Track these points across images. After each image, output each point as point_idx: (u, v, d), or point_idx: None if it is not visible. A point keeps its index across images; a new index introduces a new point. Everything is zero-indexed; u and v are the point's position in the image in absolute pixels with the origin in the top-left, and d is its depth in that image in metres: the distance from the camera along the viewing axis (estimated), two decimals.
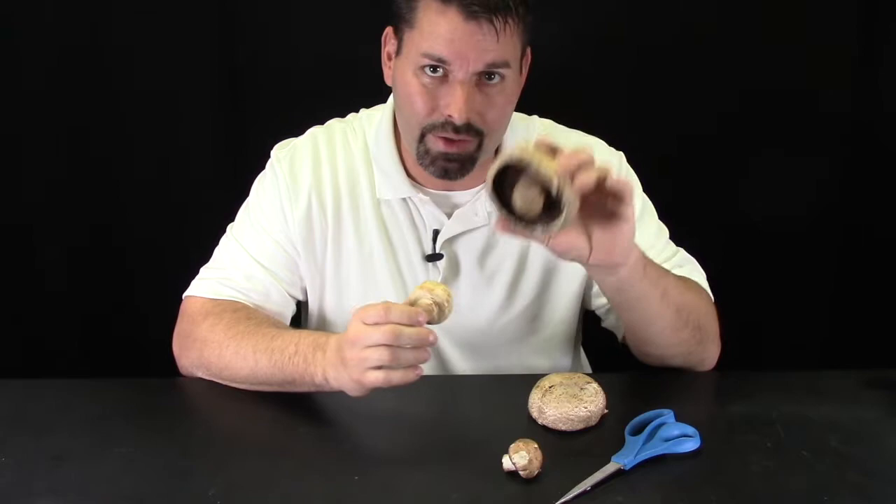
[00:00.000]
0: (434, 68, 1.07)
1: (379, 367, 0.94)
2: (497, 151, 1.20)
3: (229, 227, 1.25)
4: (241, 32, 1.63)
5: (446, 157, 1.10)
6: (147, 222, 1.70)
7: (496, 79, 1.08)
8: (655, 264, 1.09)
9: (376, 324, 0.94)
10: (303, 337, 1.07)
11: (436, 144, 1.10)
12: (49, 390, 1.16)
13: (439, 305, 0.96)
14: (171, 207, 1.70)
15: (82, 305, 1.74)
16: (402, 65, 1.11)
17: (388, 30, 1.15)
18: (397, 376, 0.95)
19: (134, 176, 1.68)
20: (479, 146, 1.11)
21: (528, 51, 1.16)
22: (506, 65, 1.07)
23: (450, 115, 1.07)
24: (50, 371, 1.62)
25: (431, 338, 0.94)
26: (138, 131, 1.66)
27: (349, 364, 0.97)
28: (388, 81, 1.17)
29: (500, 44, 1.05)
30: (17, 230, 1.69)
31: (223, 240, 1.25)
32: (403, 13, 1.09)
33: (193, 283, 1.23)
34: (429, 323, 0.95)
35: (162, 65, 1.63)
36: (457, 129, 1.08)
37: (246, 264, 1.21)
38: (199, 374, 1.16)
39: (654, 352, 1.15)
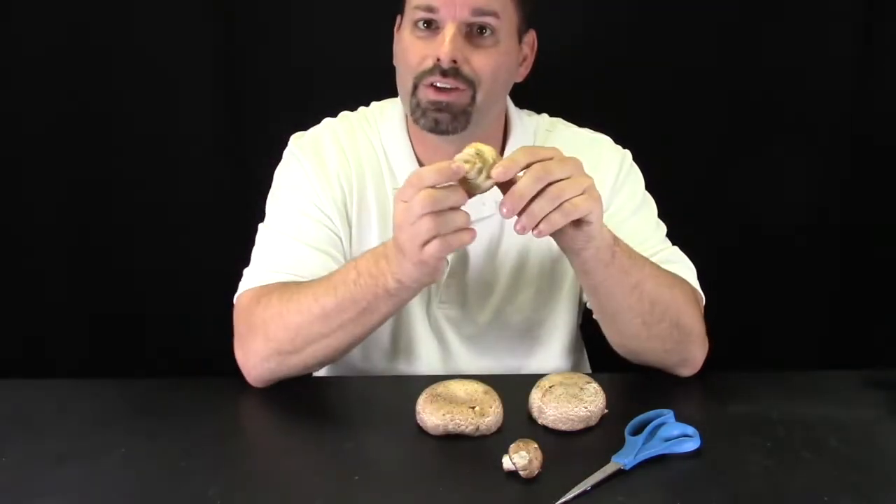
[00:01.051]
0: (427, 23, 1.10)
1: (432, 238, 0.93)
2: (504, 142, 1.22)
3: (261, 226, 1.22)
4: (241, 32, 1.63)
5: (437, 106, 1.12)
6: (147, 222, 1.70)
7: (487, 32, 1.11)
8: (634, 256, 1.07)
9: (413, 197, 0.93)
10: (360, 259, 1.05)
11: (426, 94, 1.12)
12: (49, 390, 1.17)
13: (482, 156, 0.93)
14: (172, 207, 1.69)
15: (82, 305, 1.74)
16: (402, 30, 1.16)
17: (398, 17, 1.18)
18: (455, 240, 0.94)
19: (134, 175, 1.68)
20: (473, 99, 1.12)
21: (534, 35, 1.19)
22: (494, 14, 1.10)
23: (437, 58, 1.09)
24: (50, 371, 1.62)
25: (464, 198, 0.93)
26: (140, 132, 1.66)
27: (405, 249, 0.95)
28: (395, 61, 1.19)
29: None
30: (17, 230, 1.69)
31: (259, 237, 1.21)
32: None
33: (241, 284, 1.19)
34: (472, 182, 0.94)
35: (162, 65, 1.63)
36: (444, 73, 1.09)
37: (293, 247, 1.17)
38: (272, 368, 1.11)
39: (626, 343, 1.14)
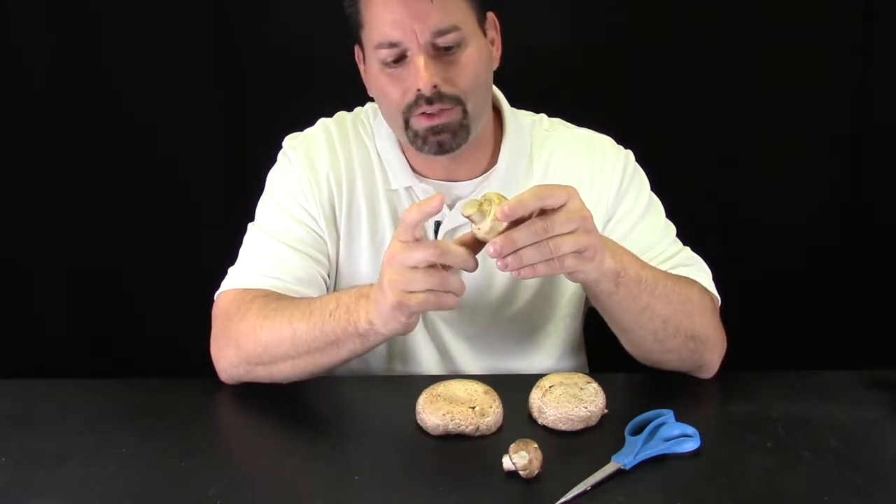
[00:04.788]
0: (396, 59, 1.09)
1: (424, 291, 0.93)
2: (499, 141, 1.21)
3: (250, 225, 1.24)
4: (240, 32, 1.63)
5: (434, 130, 1.11)
6: (146, 221, 1.70)
7: (454, 47, 1.10)
8: (643, 279, 1.05)
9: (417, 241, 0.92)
10: (344, 292, 1.06)
11: (420, 123, 1.11)
12: (49, 390, 1.17)
13: (488, 201, 0.92)
14: (171, 206, 1.69)
15: (82, 305, 1.74)
16: (369, 68, 1.15)
17: (356, 49, 1.18)
18: (444, 301, 0.94)
19: (133, 175, 1.68)
20: (465, 112, 1.11)
21: (492, 16, 1.18)
22: (455, 28, 1.09)
23: (418, 89, 1.09)
24: (50, 371, 1.61)
25: (472, 263, 0.93)
26: (137, 130, 1.66)
27: (388, 289, 0.94)
28: (371, 93, 1.19)
29: (438, 7, 1.07)
30: (16, 229, 1.69)
31: (246, 237, 1.23)
32: (356, 20, 1.14)
33: (225, 281, 1.20)
34: (477, 226, 0.93)
35: (161, 63, 1.63)
36: (430, 101, 1.09)
37: (276, 250, 1.19)
38: (240, 374, 1.13)
39: (641, 355, 1.15)
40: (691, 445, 0.97)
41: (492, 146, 1.22)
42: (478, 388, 1.05)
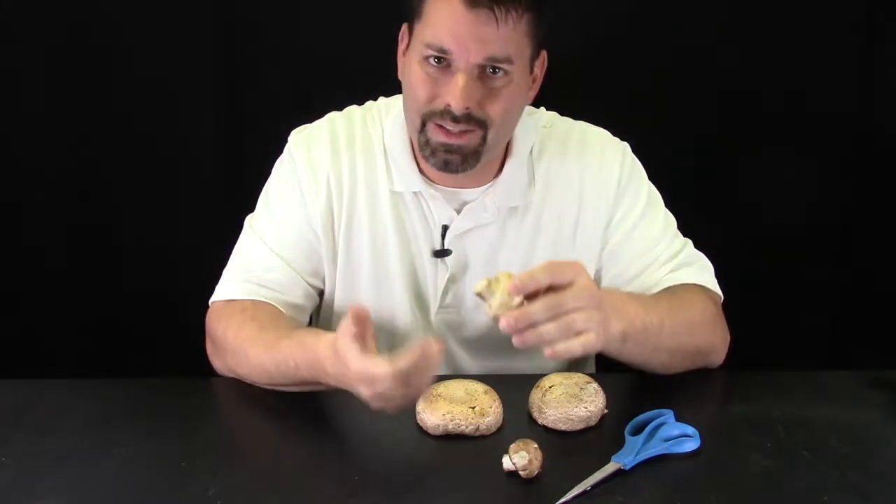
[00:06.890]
0: (438, 59, 1.07)
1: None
2: (508, 150, 1.20)
3: (248, 219, 1.24)
4: (241, 29, 1.63)
5: (447, 148, 1.10)
6: (146, 221, 1.70)
7: (500, 73, 1.07)
8: (649, 325, 1.05)
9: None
10: (295, 353, 1.05)
11: (436, 134, 1.10)
12: (49, 390, 1.16)
13: (498, 283, 0.93)
14: (171, 206, 1.70)
15: (82, 305, 1.74)
16: (409, 56, 1.12)
17: (404, 27, 1.16)
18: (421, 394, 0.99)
19: (133, 175, 1.68)
20: (484, 139, 1.10)
21: (544, 55, 1.16)
22: (508, 60, 1.06)
23: (448, 104, 1.07)
24: (50, 371, 1.62)
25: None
26: (137, 130, 1.66)
27: (372, 400, 0.95)
28: (400, 76, 1.17)
29: (501, 35, 1.05)
30: (17, 231, 1.69)
31: (243, 234, 1.24)
32: (414, 6, 1.11)
33: (217, 287, 1.22)
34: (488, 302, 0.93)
35: (161, 61, 1.63)
36: (455, 119, 1.07)
37: (265, 257, 1.20)
38: (232, 376, 1.16)
39: (649, 371, 1.16)
40: (691, 445, 0.98)
41: (501, 154, 1.20)
42: (478, 388, 1.05)
